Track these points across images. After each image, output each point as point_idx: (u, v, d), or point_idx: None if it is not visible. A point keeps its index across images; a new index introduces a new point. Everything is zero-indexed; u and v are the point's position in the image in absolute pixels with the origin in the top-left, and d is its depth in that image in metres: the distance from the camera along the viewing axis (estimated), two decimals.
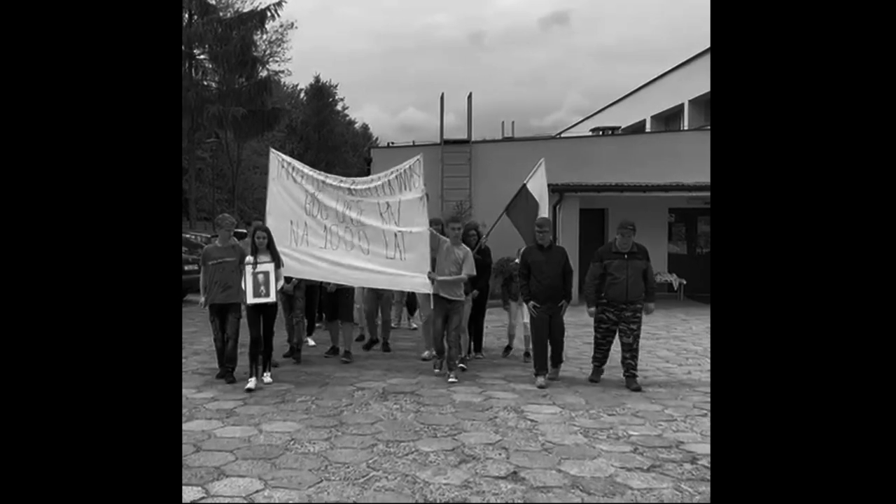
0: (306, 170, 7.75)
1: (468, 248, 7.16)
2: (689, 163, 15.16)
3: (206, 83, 22.57)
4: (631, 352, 6.67)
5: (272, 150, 8.14)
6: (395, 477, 4.17)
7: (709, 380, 6.99)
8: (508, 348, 8.50)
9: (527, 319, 7.70)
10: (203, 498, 3.82)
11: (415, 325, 10.40)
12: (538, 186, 7.96)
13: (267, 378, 6.73)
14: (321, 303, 8.79)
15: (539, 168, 8.03)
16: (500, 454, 4.63)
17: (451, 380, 6.77)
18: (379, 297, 8.70)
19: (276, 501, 3.78)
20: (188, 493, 3.87)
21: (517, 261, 7.63)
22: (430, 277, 6.97)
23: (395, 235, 7.16)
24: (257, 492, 3.92)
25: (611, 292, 6.66)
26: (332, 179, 7.68)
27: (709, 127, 17.43)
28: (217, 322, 6.91)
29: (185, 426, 5.19)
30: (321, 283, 7.95)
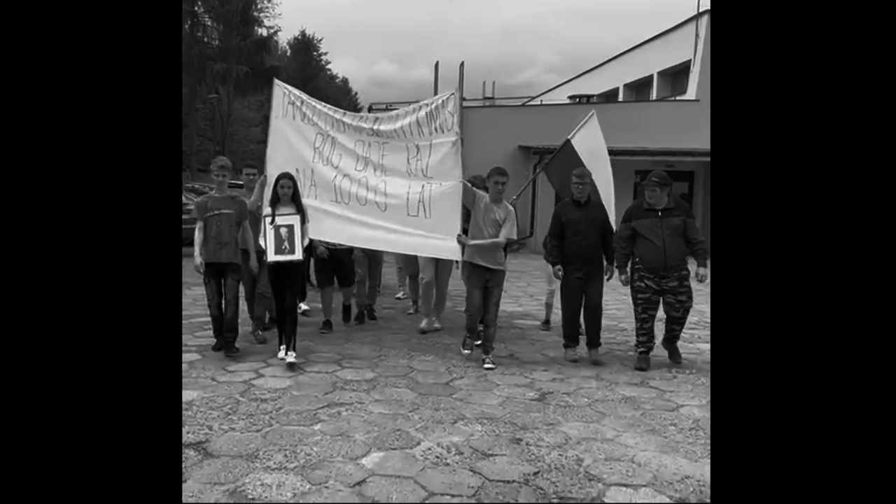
0: (319, 105, 6.51)
1: (511, 208, 5.88)
2: (655, 129, 17.11)
3: (206, 41, 23.79)
4: (680, 324, 5.84)
5: (277, 81, 6.85)
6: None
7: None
8: (546, 322, 7.53)
9: (554, 286, 6.94)
10: (304, 362, 5.69)
11: (399, 295, 9.30)
12: (586, 141, 6.80)
13: (290, 357, 5.60)
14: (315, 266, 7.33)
15: (589, 121, 6.91)
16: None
17: (486, 366, 5.66)
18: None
19: (356, 363, 5.69)
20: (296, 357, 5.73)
21: None
22: (459, 241, 5.71)
23: (422, 188, 5.91)
24: (341, 360, 5.84)
25: (646, 258, 5.68)
26: (350, 118, 6.38)
27: (673, 98, 19.34)
28: (213, 285, 5.89)
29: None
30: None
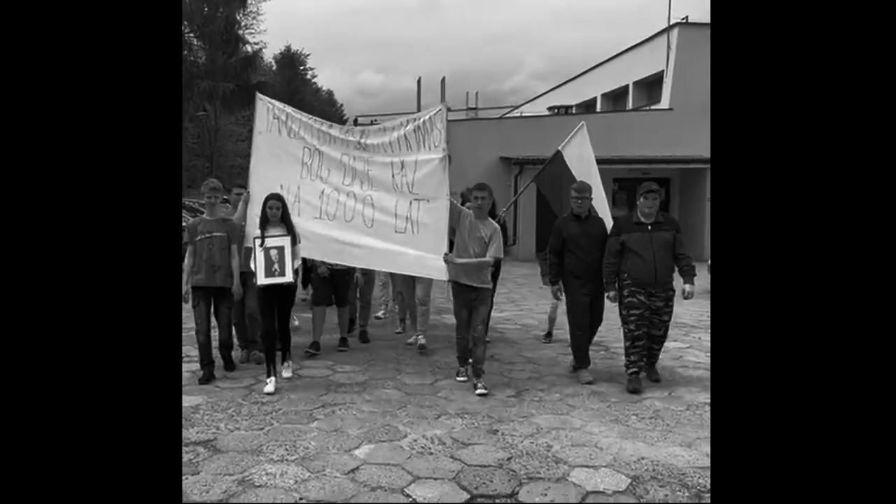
0: (304, 117, 6.29)
1: (496, 225, 5.79)
2: (632, 138, 17.72)
3: (193, 60, 24.26)
4: (659, 344, 5.75)
5: (259, 96, 6.53)
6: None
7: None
8: (549, 334, 7.54)
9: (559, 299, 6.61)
10: (299, 368, 6.13)
11: (379, 314, 8.93)
12: (576, 153, 6.87)
13: (287, 372, 5.78)
14: (310, 284, 7.23)
15: (579, 132, 6.98)
16: None
17: (479, 392, 5.40)
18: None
19: (348, 369, 6.14)
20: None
21: None
22: (446, 260, 5.61)
23: (410, 204, 5.81)
24: (333, 365, 6.29)
25: (635, 273, 5.47)
26: (336, 130, 6.24)
27: (648, 107, 19.96)
28: (202, 308, 5.75)
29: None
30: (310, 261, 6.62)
